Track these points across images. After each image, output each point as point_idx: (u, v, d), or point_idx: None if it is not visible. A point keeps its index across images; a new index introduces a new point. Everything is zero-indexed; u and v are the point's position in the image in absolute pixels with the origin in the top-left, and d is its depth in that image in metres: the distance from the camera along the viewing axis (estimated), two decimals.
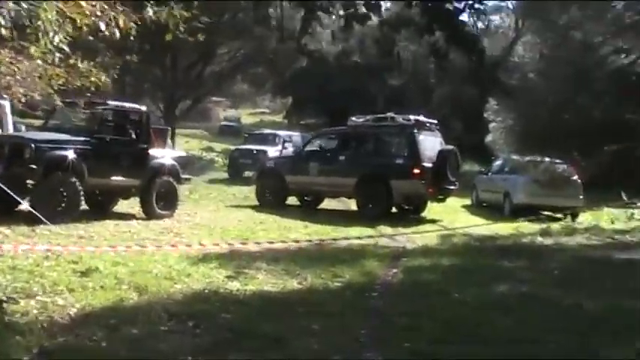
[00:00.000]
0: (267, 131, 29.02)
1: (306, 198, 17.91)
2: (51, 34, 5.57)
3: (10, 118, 16.08)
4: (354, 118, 17.08)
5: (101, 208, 12.33)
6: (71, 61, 7.47)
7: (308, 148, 17.53)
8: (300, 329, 5.68)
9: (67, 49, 6.47)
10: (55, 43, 5.84)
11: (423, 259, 9.84)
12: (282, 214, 14.47)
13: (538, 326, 6.13)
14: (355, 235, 12.31)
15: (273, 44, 34.94)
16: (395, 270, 8.94)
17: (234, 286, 7.25)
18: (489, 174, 20.37)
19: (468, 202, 20.20)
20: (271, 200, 16.78)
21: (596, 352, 5.41)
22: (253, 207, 16.37)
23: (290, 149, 23.01)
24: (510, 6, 38.57)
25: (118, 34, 6.52)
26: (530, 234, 13.43)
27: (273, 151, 23.54)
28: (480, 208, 19.23)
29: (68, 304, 5.91)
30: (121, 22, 6.62)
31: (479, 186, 20.26)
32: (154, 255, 8.30)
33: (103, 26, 6.11)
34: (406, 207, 16.56)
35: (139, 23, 6.68)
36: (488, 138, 16.18)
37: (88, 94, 9.65)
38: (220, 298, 6.61)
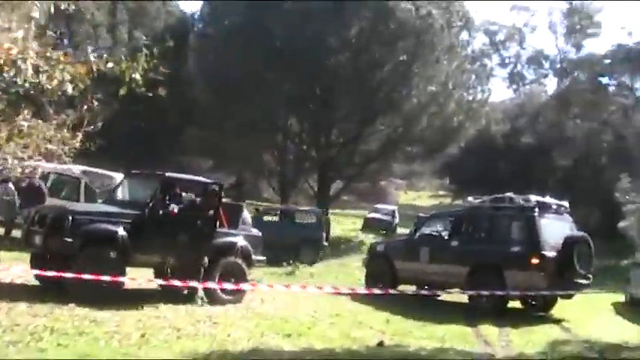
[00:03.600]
0: None
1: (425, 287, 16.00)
2: None
3: None
4: (470, 199, 15.15)
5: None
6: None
7: (421, 231, 15.70)
8: None
9: None
10: None
11: None
12: (376, 305, 12.80)
13: None
14: (440, 335, 10.38)
15: (425, 122, 33.50)
16: None
17: None
18: None
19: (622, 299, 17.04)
20: (379, 288, 15.12)
21: None
22: (355, 295, 14.75)
23: None
24: None
25: (70, 89, 5.70)
26: None
27: None
28: (635, 307, 16.01)
29: None
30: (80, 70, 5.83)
31: (634, 281, 17.00)
32: (150, 349, 7.15)
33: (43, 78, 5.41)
34: (532, 302, 14.15)
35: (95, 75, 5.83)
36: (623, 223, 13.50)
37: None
38: None
